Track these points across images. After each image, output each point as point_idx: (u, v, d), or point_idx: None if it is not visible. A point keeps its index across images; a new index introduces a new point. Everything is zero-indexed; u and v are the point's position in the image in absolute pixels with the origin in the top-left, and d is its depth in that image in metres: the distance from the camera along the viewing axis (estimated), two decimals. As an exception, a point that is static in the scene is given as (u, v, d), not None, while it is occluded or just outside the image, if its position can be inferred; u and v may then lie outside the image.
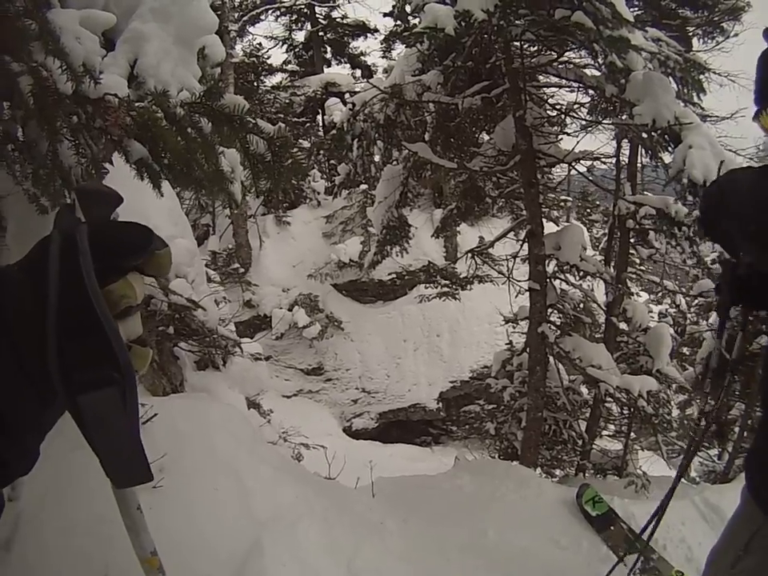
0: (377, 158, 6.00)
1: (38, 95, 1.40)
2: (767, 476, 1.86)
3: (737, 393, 6.98)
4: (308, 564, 2.71)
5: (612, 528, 3.89)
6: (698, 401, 8.41)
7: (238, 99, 1.90)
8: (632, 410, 6.72)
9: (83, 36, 1.53)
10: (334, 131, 5.61)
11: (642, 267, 8.27)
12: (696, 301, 9.54)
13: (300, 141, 16.47)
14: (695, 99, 4.87)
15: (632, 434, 7.62)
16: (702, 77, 4.56)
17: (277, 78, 19.92)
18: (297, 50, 20.47)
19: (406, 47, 5.65)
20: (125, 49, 1.74)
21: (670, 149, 4.00)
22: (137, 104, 1.58)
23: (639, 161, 6.88)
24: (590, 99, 5.42)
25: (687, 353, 10.23)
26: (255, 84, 17.24)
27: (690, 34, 5.47)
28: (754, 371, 6.03)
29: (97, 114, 1.53)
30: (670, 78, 4.14)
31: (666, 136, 3.97)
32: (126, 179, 2.05)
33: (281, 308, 14.79)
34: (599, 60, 4.43)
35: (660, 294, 13.82)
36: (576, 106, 5.54)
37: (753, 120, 2.10)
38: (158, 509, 2.25)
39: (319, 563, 2.79)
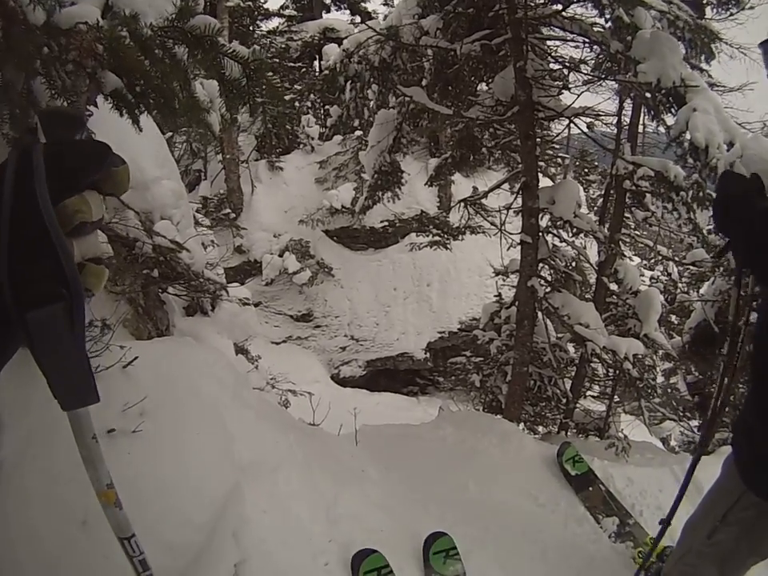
0: (371, 102, 5.91)
1: (6, 29, 1.34)
2: (751, 445, 1.91)
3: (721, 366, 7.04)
4: (288, 511, 2.74)
5: (590, 489, 3.94)
6: (682, 370, 8.50)
7: (209, 19, 1.80)
8: (617, 371, 6.78)
9: None
10: (325, 72, 5.51)
11: (636, 231, 8.23)
12: (688, 270, 9.53)
13: (295, 86, 16.22)
14: (703, 65, 4.78)
15: (616, 396, 7.69)
16: (712, 45, 4.46)
17: (273, 23, 19.47)
18: (295, -6, 19.99)
19: (410, -8, 5.50)
20: None
21: (673, 110, 3.93)
22: (105, 29, 1.51)
23: (641, 121, 6.80)
24: (594, 55, 5.32)
25: (676, 321, 10.29)
26: (251, 28, 16.84)
27: (705, 1, 5.34)
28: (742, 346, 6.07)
29: (69, 45, 1.47)
30: (679, 41, 4.04)
31: (670, 97, 3.89)
32: (111, 123, 1.99)
33: (271, 254, 14.76)
34: (606, 14, 4.33)
35: (653, 260, 13.84)
36: (581, 62, 5.44)
37: None
38: (138, 453, 2.23)
39: (299, 510, 2.82)
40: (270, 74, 1.94)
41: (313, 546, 2.73)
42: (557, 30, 5.38)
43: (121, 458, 2.15)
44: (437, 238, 13.28)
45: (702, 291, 7.11)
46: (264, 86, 1.92)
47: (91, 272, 0.84)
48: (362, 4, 20.29)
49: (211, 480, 2.44)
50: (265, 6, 18.25)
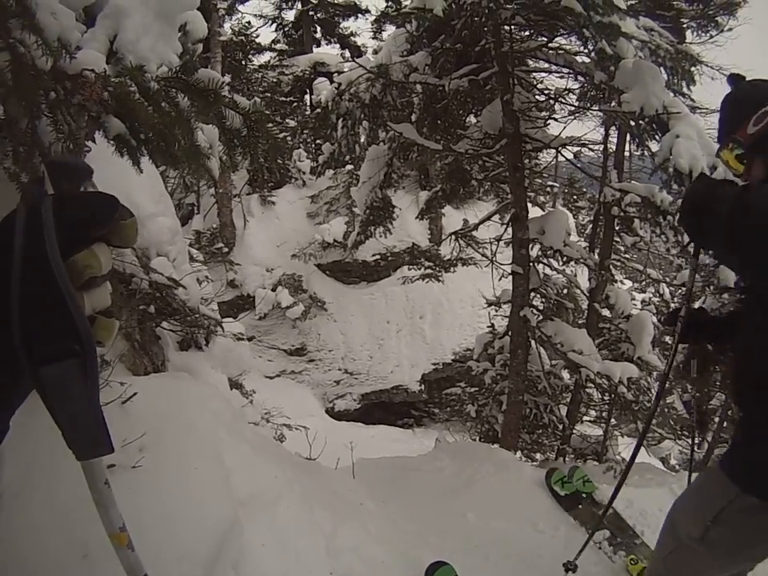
0: (362, 138, 5.99)
1: (15, 72, 1.39)
2: (753, 447, 1.98)
3: (717, 383, 7.04)
4: (287, 544, 2.73)
5: (580, 506, 3.99)
6: (678, 389, 8.52)
7: (212, 73, 1.90)
8: (612, 396, 6.79)
9: (59, 11, 1.51)
10: (318, 110, 5.59)
11: (626, 255, 8.32)
12: (679, 291, 9.63)
13: (287, 120, 16.39)
14: (685, 90, 4.88)
15: (612, 420, 7.70)
16: (693, 69, 4.57)
17: (265, 57, 19.79)
18: (286, 29, 20.38)
19: (395, 27, 5.62)
20: (104, 24, 1.73)
21: (657, 137, 4.01)
22: (113, 79, 1.57)
23: (627, 149, 6.91)
24: (579, 85, 5.42)
25: (670, 342, 10.32)
26: (243, 63, 17.06)
27: (684, 26, 5.47)
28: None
29: (75, 90, 1.52)
30: (661, 68, 4.14)
31: (653, 124, 3.98)
32: (108, 158, 2.04)
33: (264, 288, 14.80)
34: (589, 46, 4.43)
35: (644, 283, 13.94)
36: (565, 92, 5.54)
37: (716, 156, 2.41)
38: (138, 488, 2.24)
39: (298, 543, 2.80)
40: (270, 125, 2.01)
41: (312, 580, 2.72)
42: (542, 62, 5.50)
43: (121, 493, 2.12)
44: (429, 271, 13.33)
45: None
46: (264, 137, 1.99)
47: (102, 325, 0.83)
48: (352, 38, 20.61)
49: (210, 514, 2.44)
50: (257, 40, 18.51)
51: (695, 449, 8.18)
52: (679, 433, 8.59)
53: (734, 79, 2.42)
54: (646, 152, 4.44)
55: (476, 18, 4.77)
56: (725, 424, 7.40)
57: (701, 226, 1.91)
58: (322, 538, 3.02)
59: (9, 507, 1.89)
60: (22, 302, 0.71)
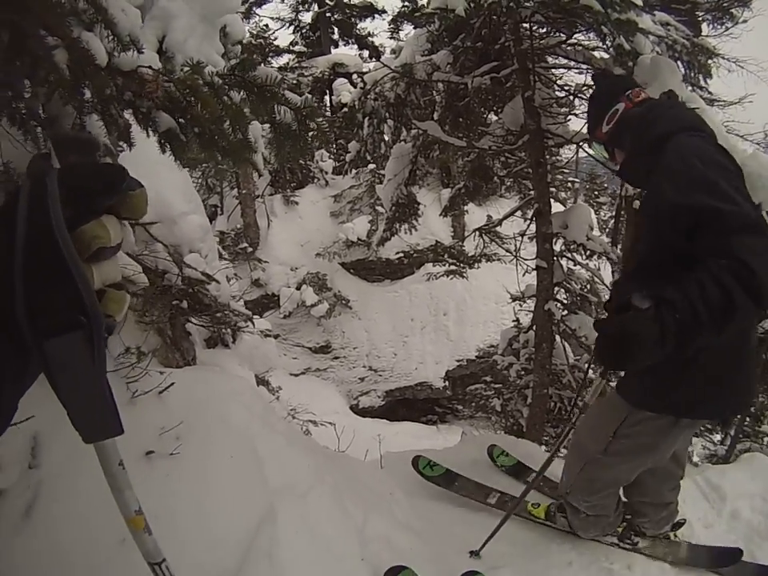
0: (387, 137, 6.05)
1: (74, 69, 1.47)
2: (639, 381, 2.50)
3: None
4: (319, 532, 2.79)
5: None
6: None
7: (269, 71, 1.98)
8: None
9: (127, 9, 1.60)
10: (345, 109, 5.67)
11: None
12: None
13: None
14: (702, 83, 4.87)
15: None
16: (710, 62, 4.56)
17: (284, 60, 19.88)
18: (304, 31, 20.44)
19: (415, 28, 5.66)
20: (153, 25, 1.82)
21: (676, 132, 4.02)
22: (172, 75, 1.65)
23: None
24: (600, 81, 5.43)
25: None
26: (263, 65, 17.16)
27: (700, 18, 5.44)
28: (757, 355, 6.08)
29: (126, 87, 1.60)
30: (678, 63, 4.14)
31: (672, 120, 3.99)
32: (137, 158, 2.11)
33: (289, 287, 14.92)
34: (607, 42, 4.44)
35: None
36: (585, 88, 5.55)
37: (590, 146, 2.90)
38: (175, 475, 2.33)
39: (330, 532, 2.86)
40: (320, 119, 2.09)
41: (345, 566, 2.76)
42: (561, 58, 5.51)
43: (159, 480, 2.24)
44: (452, 267, 13.29)
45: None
46: (314, 130, 2.07)
47: (112, 298, 0.82)
48: (369, 38, 20.65)
49: (244, 502, 2.52)
50: (275, 43, 18.62)
51: (717, 444, 8.18)
52: (702, 429, 8.52)
53: (595, 78, 3.08)
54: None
55: (495, 17, 4.81)
56: (747, 418, 7.34)
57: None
58: (353, 526, 3.07)
59: (50, 493, 1.96)
60: (26, 273, 0.70)
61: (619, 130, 2.60)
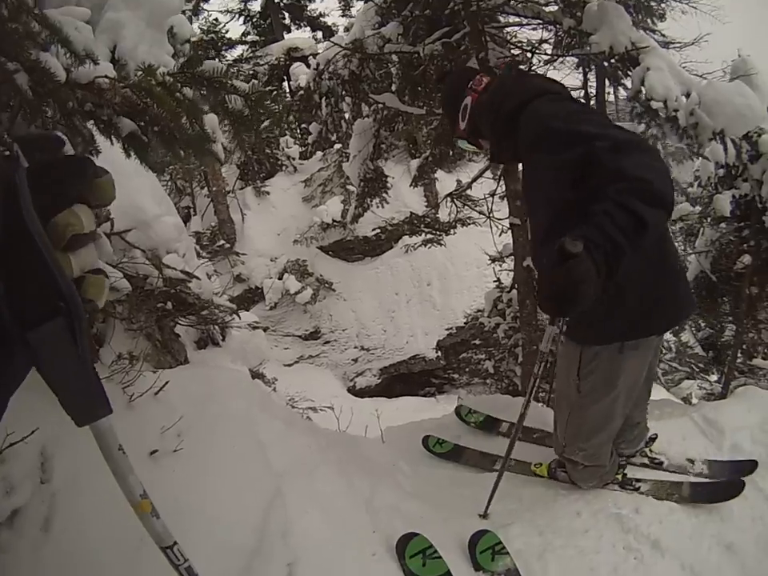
0: (347, 114, 6.05)
1: (35, 89, 1.51)
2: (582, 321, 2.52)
3: (728, 315, 7.08)
4: (329, 508, 2.84)
5: (463, 456, 4.20)
6: (690, 326, 8.58)
7: (215, 63, 2.04)
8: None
9: (80, 26, 1.64)
10: (301, 92, 5.66)
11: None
12: (678, 225, 9.71)
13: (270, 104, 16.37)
14: (653, 26, 4.93)
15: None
16: (662, 5, 4.62)
17: (238, 51, 19.72)
18: (254, 19, 20.28)
19: (364, 2, 5.65)
20: (103, 38, 1.87)
21: (630, 73, 4.08)
22: (126, 82, 1.70)
23: (607, 90, 6.92)
24: (551, 35, 5.45)
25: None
26: (217, 59, 17.00)
27: (651, -36, 5.47)
28: (741, 291, 6.18)
29: (86, 99, 1.65)
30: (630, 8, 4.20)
31: (625, 62, 4.04)
32: (107, 164, 2.13)
33: (271, 278, 14.89)
34: (554, -5, 4.49)
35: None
36: (540, 43, 5.57)
37: (456, 145, 3.26)
38: (181, 470, 2.37)
39: (339, 506, 2.91)
40: (268, 101, 2.15)
41: (358, 539, 2.81)
42: (512, 17, 5.52)
43: (167, 476, 2.28)
44: (429, 236, 13.35)
45: (696, 244, 7.19)
46: (265, 113, 2.13)
47: (91, 283, 0.84)
48: (321, 19, 20.51)
49: (252, 487, 2.57)
50: (227, 35, 18.45)
51: (712, 383, 8.31)
52: (697, 370, 8.65)
53: (438, 76, 3.27)
54: (623, 90, 4.51)
55: (442, -19, 4.82)
56: (739, 354, 7.46)
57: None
58: (362, 499, 3.13)
59: (65, 505, 1.99)
60: (4, 269, 0.72)
61: (474, 122, 2.76)
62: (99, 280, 0.86)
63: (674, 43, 5.88)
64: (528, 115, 2.38)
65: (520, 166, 3.33)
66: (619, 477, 3.43)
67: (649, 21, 4.49)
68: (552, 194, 2.38)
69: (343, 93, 5.45)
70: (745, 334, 6.69)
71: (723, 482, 3.40)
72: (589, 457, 3.14)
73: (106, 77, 1.66)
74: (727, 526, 3.18)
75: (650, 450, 3.65)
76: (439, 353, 15.37)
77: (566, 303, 1.95)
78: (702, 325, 7.76)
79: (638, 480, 3.45)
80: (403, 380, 15.57)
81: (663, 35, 5.34)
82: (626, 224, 1.90)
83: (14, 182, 0.75)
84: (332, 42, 5.33)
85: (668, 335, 8.89)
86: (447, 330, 15.39)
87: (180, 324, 3.91)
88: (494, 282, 8.59)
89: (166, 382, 2.56)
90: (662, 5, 4.65)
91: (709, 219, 6.51)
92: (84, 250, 0.84)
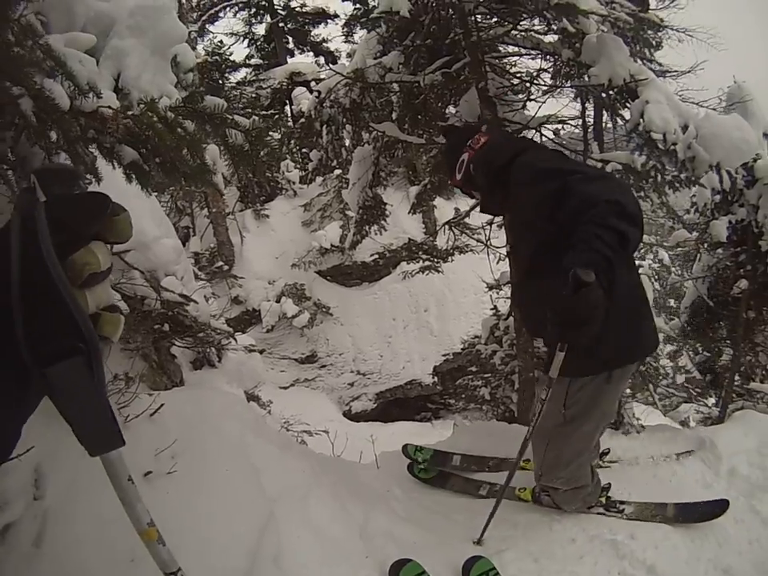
0: (347, 142, 6.09)
1: (39, 115, 1.54)
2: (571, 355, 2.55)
3: (725, 339, 7.09)
4: (322, 534, 2.84)
5: (450, 482, 4.21)
6: (688, 350, 8.58)
7: (216, 100, 2.10)
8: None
9: (84, 59, 1.68)
10: (302, 120, 5.69)
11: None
12: (676, 251, 9.75)
13: (270, 133, 16.46)
14: (651, 56, 4.99)
15: (628, 389, 7.74)
16: (659, 34, 4.69)
17: (241, 74, 19.84)
18: (258, 43, 20.38)
19: (366, 31, 5.71)
20: (108, 65, 1.90)
21: (628, 105, 4.13)
22: (129, 112, 1.74)
23: (605, 120, 6.97)
24: (551, 64, 5.51)
25: (674, 305, 10.34)
26: (220, 82, 17.16)
27: (646, -7, 5.55)
28: (738, 315, 6.20)
29: (89, 126, 1.68)
30: (624, 39, 4.25)
31: (623, 93, 4.10)
32: (109, 187, 2.17)
33: (268, 300, 14.88)
34: (553, 26, 4.55)
35: (643, 250, 14.06)
36: (539, 73, 5.63)
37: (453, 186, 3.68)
38: (175, 492, 2.38)
39: (332, 532, 2.91)
40: (269, 138, 2.21)
41: (351, 564, 2.81)
42: (512, 47, 5.59)
43: (160, 498, 2.29)
44: (427, 263, 13.39)
45: (693, 269, 7.23)
46: (264, 149, 2.19)
47: (107, 320, 0.86)
48: (324, 44, 20.70)
49: (244, 511, 2.58)
50: (231, 58, 18.58)
51: (710, 407, 8.30)
52: (695, 394, 8.64)
53: (443, 131, 3.61)
54: (620, 120, 4.55)
55: (443, 12, 4.88)
56: (736, 377, 7.45)
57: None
58: (355, 524, 3.13)
59: (57, 522, 2.00)
60: (24, 306, 0.73)
61: (468, 175, 3.07)
62: (115, 318, 0.88)
63: (670, 72, 5.95)
64: (517, 165, 2.72)
65: None
66: (603, 499, 3.50)
67: (646, 51, 4.54)
68: (534, 225, 2.63)
69: (344, 120, 5.49)
70: (742, 357, 6.69)
71: (708, 502, 3.44)
72: (567, 481, 3.22)
73: (109, 107, 1.70)
74: (724, 550, 3.19)
75: (603, 461, 3.98)
76: (436, 378, 15.32)
77: (585, 328, 2.11)
78: (700, 349, 7.76)
79: (622, 502, 3.49)
80: (399, 405, 15.51)
81: (660, 64, 5.40)
82: (613, 241, 2.09)
83: (33, 216, 0.77)
84: (334, 71, 5.38)
85: (665, 360, 8.90)
86: (444, 355, 15.36)
87: (176, 345, 3.92)
88: (491, 309, 8.61)
89: (162, 405, 2.57)
90: (659, 33, 4.71)
91: (706, 245, 6.55)
92: (100, 287, 0.87)
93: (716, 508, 3.34)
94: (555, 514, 3.52)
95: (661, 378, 7.77)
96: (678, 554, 3.15)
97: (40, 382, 0.77)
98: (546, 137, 5.77)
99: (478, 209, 6.24)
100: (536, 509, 3.64)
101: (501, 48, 5.76)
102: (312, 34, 20.58)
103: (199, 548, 2.22)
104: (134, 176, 1.96)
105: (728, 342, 6.85)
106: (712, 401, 8.34)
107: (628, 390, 7.87)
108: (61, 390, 0.78)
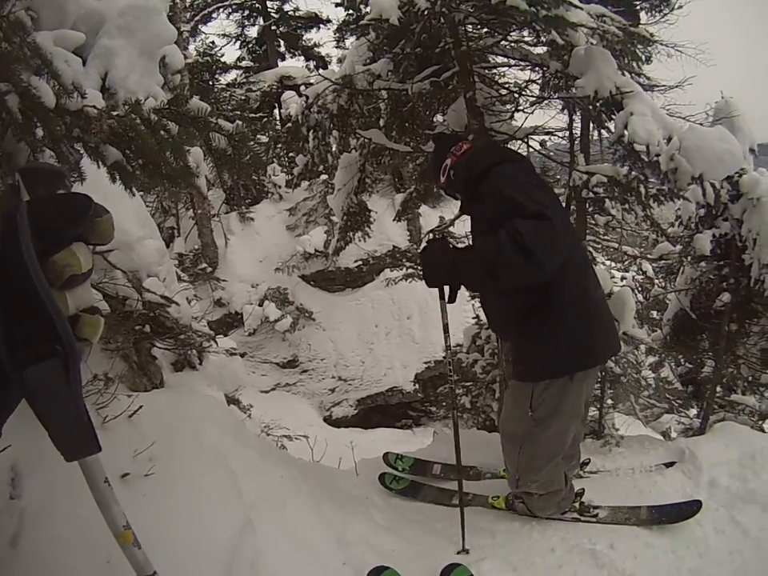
0: (334, 147, 6.08)
1: (25, 112, 1.53)
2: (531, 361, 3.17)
3: (708, 351, 7.13)
4: (300, 540, 2.82)
5: (422, 492, 4.25)
6: (670, 361, 8.62)
7: (200, 103, 2.13)
8: (602, 372, 6.90)
9: (70, 59, 1.68)
10: (289, 124, 5.68)
11: (605, 237, 8.44)
12: (659, 264, 9.80)
13: (258, 136, 16.44)
14: (639, 70, 5.03)
15: (609, 400, 7.77)
16: (648, 48, 4.73)
17: (232, 75, 19.85)
18: (250, 45, 20.47)
19: (356, 38, 5.72)
20: (95, 64, 1.90)
21: (614, 117, 4.16)
22: (114, 113, 1.73)
23: (591, 132, 7.02)
24: (539, 76, 5.54)
25: (657, 317, 10.40)
26: (210, 83, 17.12)
27: (638, 8, 5.60)
28: (720, 327, 6.25)
29: (74, 125, 1.68)
30: (616, 52, 4.28)
31: (609, 106, 4.13)
32: (93, 187, 2.16)
33: (251, 304, 14.82)
34: (542, 38, 4.58)
35: (626, 262, 14.10)
36: (528, 84, 5.65)
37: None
38: (151, 495, 2.36)
39: (310, 538, 2.90)
40: (251, 142, 2.23)
41: (328, 571, 2.79)
42: (501, 57, 5.62)
43: (137, 500, 2.26)
44: (411, 271, 13.40)
45: (676, 282, 7.28)
46: (246, 153, 2.21)
47: (87, 322, 0.86)
48: (315, 49, 20.75)
49: (221, 516, 2.55)
50: (222, 59, 18.57)
51: (692, 418, 8.35)
52: (676, 405, 8.68)
53: (433, 138, 3.92)
54: (606, 133, 4.59)
55: (433, 21, 4.89)
56: (718, 389, 7.50)
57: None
58: (333, 531, 3.11)
59: (34, 521, 1.98)
60: (1, 306, 0.73)
61: (450, 180, 3.39)
62: (95, 320, 0.88)
63: (658, 86, 6.00)
64: (494, 173, 2.97)
65: None
66: (576, 504, 3.57)
67: (634, 65, 4.59)
68: (488, 233, 2.86)
69: (331, 126, 5.49)
70: (724, 369, 6.73)
71: (681, 504, 3.49)
72: (542, 485, 3.30)
73: (94, 107, 1.70)
74: (705, 561, 3.21)
75: (584, 472, 4.07)
76: (417, 386, 15.32)
77: (427, 271, 3.12)
78: (682, 360, 7.81)
79: (595, 507, 3.53)
80: (380, 411, 15.49)
81: (648, 78, 5.45)
82: (493, 248, 2.65)
83: (14, 218, 0.76)
84: (322, 76, 5.38)
85: (647, 371, 8.93)
86: (426, 363, 15.37)
87: (157, 347, 3.90)
88: (473, 318, 8.63)
89: (141, 406, 2.55)
90: (649, 48, 4.76)
91: (689, 258, 6.59)
92: (80, 288, 0.86)
93: (689, 508, 3.37)
94: (535, 522, 3.53)
95: (641, 389, 7.80)
96: (658, 563, 3.16)
97: (18, 384, 0.76)
98: (532, 147, 5.80)
99: (462, 217, 6.30)
100: (515, 517, 3.65)
101: (490, 58, 5.78)
102: (304, 38, 20.67)
103: (175, 552, 2.20)
104: (117, 176, 1.96)
105: (710, 354, 6.88)
106: (693, 412, 8.39)
107: (609, 401, 7.93)
108: (38, 392, 0.77)
